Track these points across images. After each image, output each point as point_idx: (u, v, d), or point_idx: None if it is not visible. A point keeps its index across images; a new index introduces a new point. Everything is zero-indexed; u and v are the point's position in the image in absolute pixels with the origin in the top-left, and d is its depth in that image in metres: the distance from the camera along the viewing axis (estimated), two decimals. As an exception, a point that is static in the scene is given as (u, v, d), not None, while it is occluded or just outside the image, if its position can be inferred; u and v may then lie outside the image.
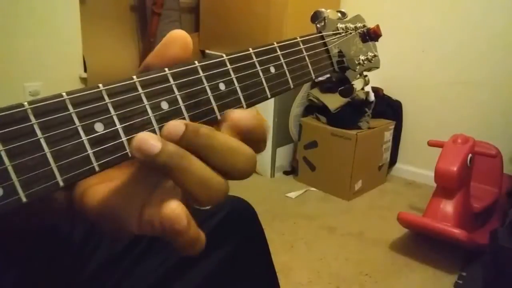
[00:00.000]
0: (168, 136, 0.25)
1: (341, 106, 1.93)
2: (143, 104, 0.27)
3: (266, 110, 2.06)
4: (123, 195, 0.29)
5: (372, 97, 2.00)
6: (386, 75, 1.90)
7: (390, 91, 2.15)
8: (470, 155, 1.45)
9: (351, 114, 1.94)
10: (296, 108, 2.15)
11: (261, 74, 0.34)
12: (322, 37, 0.43)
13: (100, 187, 0.30)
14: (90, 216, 0.30)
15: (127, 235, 0.30)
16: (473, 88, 1.98)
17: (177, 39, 0.29)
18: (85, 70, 1.88)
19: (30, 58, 1.68)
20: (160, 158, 0.24)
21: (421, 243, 1.56)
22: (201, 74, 0.30)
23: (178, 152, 0.25)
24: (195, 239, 0.27)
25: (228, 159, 0.27)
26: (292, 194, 1.96)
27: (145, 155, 0.24)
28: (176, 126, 0.26)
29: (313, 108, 2.07)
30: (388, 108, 2.11)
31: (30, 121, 0.23)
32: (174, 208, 0.25)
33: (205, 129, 0.26)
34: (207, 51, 2.32)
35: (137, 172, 0.29)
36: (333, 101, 1.94)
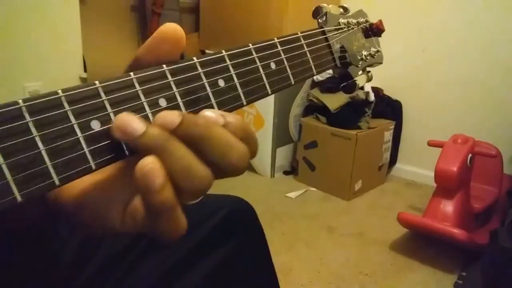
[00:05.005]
0: (161, 126, 0.25)
1: (341, 106, 1.93)
2: (140, 102, 0.27)
3: (266, 110, 2.06)
4: (107, 187, 0.28)
5: (372, 97, 2.00)
6: (386, 75, 1.90)
7: (390, 91, 2.14)
8: (470, 155, 1.45)
9: (351, 114, 1.94)
10: (296, 108, 2.15)
11: (261, 70, 0.33)
12: (323, 32, 0.42)
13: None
14: (67, 208, 0.29)
15: (108, 230, 0.29)
16: (473, 88, 1.97)
17: (168, 34, 0.28)
18: (85, 70, 1.88)
19: (30, 58, 1.68)
20: (142, 140, 0.24)
21: (421, 243, 1.56)
22: (200, 70, 0.30)
23: (163, 136, 0.25)
24: (175, 217, 0.26)
25: (223, 153, 0.26)
26: (292, 194, 1.96)
27: (127, 136, 0.24)
28: (171, 117, 0.25)
29: (313, 108, 2.06)
30: (388, 108, 2.11)
31: (25, 119, 0.22)
32: (149, 162, 0.24)
33: (203, 120, 0.26)
34: (207, 51, 2.31)
35: (123, 165, 0.29)
36: (333, 101, 1.93)
